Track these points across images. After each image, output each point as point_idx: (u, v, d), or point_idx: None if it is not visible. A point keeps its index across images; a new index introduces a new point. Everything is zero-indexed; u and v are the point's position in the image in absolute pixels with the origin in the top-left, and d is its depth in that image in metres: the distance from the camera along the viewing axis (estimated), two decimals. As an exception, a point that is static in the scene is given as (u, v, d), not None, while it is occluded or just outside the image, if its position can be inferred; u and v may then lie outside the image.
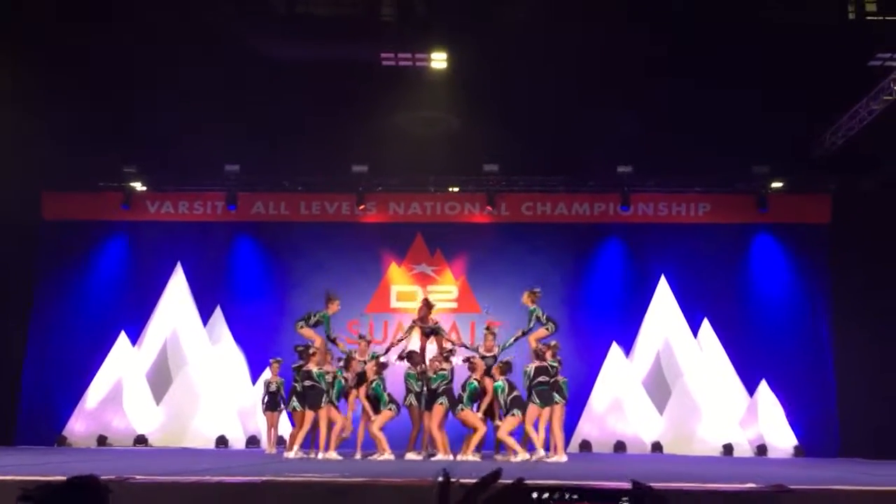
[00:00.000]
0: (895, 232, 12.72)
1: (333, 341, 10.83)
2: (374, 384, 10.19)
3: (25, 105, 12.26)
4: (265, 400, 11.99)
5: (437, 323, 11.23)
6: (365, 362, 10.47)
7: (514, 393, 10.07)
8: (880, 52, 12.67)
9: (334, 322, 11.08)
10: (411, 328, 11.20)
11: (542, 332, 10.61)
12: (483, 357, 10.64)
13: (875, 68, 12.69)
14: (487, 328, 11.10)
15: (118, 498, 2.37)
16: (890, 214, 12.82)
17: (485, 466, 8.58)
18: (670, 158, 13.58)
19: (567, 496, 1.47)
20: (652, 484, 1.55)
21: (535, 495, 1.47)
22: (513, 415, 9.98)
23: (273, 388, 11.94)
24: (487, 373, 10.28)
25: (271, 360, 12.10)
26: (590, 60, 12.73)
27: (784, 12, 13.11)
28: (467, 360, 10.66)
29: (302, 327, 10.74)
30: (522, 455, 9.84)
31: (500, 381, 10.10)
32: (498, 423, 10.17)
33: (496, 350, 10.77)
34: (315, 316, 10.73)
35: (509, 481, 1.53)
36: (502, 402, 10.08)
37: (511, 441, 10.00)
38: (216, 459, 9.50)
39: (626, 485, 1.48)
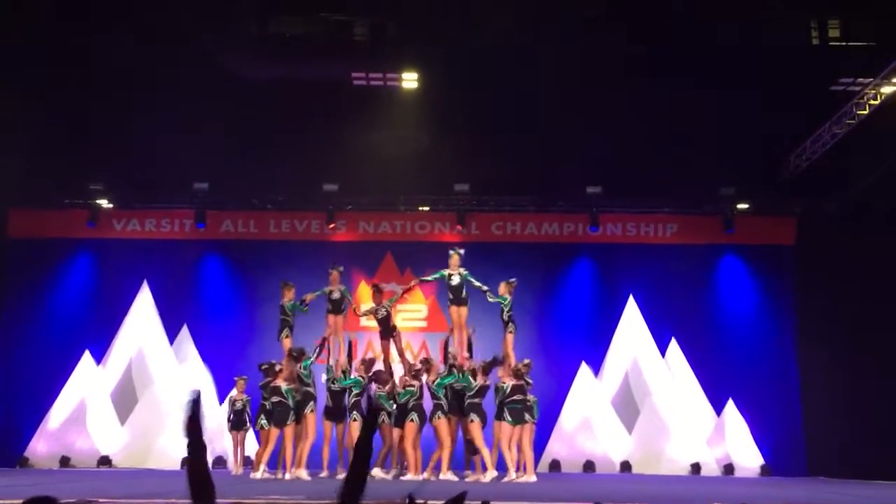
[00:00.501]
0: (859, 253, 12.93)
1: (303, 302, 10.76)
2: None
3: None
4: (231, 418, 11.81)
5: (388, 307, 11.17)
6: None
7: (478, 400, 10.02)
8: (843, 77, 12.95)
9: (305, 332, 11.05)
10: (368, 313, 11.32)
11: (510, 338, 10.58)
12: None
13: (837, 93, 12.97)
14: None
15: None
16: (853, 236, 13.05)
17: (452, 488, 8.54)
18: (639, 180, 13.74)
19: None
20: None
21: None
22: (471, 420, 9.93)
23: (238, 406, 11.76)
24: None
25: (236, 378, 11.96)
26: (559, 82, 12.87)
27: (749, 37, 13.35)
28: (424, 360, 10.68)
29: (286, 336, 10.69)
30: (490, 473, 9.79)
31: (475, 383, 10.05)
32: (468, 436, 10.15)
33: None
34: (287, 315, 10.67)
35: (475, 503, 1.53)
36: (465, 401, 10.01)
37: (486, 452, 9.93)
38: (182, 481, 9.34)
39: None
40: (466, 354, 10.42)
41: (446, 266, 14.14)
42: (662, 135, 12.97)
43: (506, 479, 9.74)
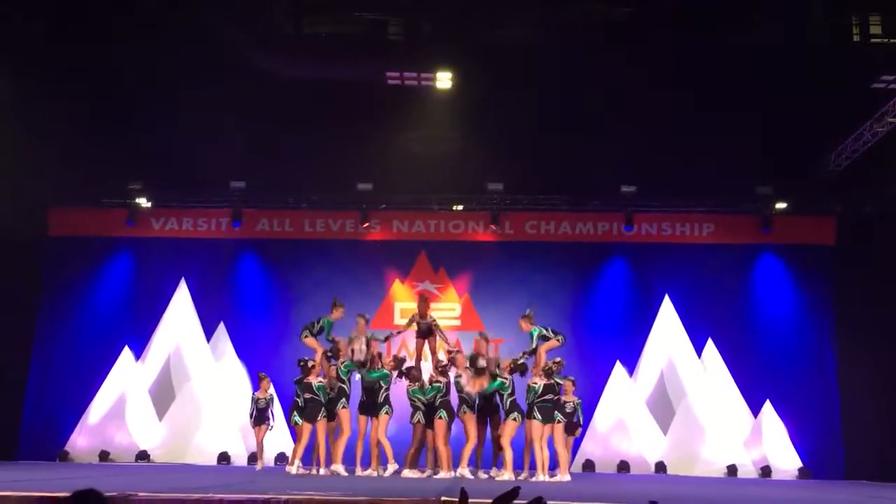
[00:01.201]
0: (899, 254, 12.71)
1: (332, 342, 10.81)
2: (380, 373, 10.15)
3: (31, 122, 12.34)
4: (253, 415, 11.99)
5: (433, 320, 11.17)
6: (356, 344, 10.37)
7: (515, 397, 10.04)
8: (884, 75, 12.72)
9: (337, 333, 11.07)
10: (410, 321, 11.17)
11: (553, 343, 10.59)
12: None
13: (879, 91, 12.74)
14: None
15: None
16: (894, 236, 12.81)
17: (494, 485, 8.54)
18: (674, 179, 13.62)
19: None
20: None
21: None
22: (513, 419, 9.96)
23: (262, 404, 11.96)
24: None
25: (260, 375, 12.12)
26: (595, 80, 12.80)
27: (790, 34, 13.18)
28: (448, 353, 10.69)
29: (306, 336, 10.78)
30: (509, 474, 9.77)
31: (506, 380, 10.05)
32: (498, 433, 10.14)
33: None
34: (319, 323, 10.76)
35: (522, 500, 1.54)
36: (505, 401, 10.03)
37: (509, 453, 9.92)
38: (218, 476, 9.47)
39: None
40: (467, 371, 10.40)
41: (479, 264, 14.24)
42: (698, 133, 12.84)
43: (534, 479, 9.72)
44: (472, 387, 10.14)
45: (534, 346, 10.63)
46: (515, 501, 1.56)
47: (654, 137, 12.98)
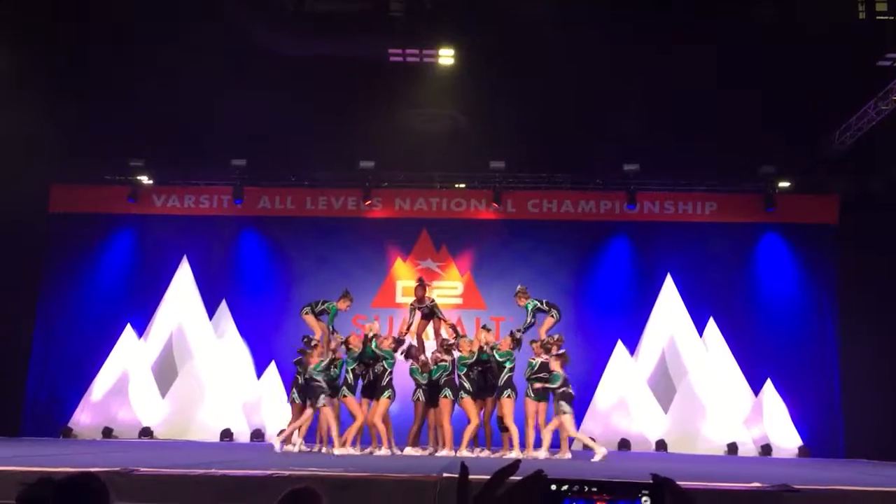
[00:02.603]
0: (903, 233, 12.67)
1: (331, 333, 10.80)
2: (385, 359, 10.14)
3: (33, 99, 12.28)
4: (297, 390, 10.68)
5: (433, 301, 11.19)
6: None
7: (512, 374, 10.05)
8: (890, 52, 12.61)
9: (340, 319, 11.04)
10: (412, 311, 11.16)
11: (549, 321, 10.60)
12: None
13: (884, 68, 12.63)
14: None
15: (124, 490, 2.37)
16: (898, 215, 12.77)
17: (493, 461, 8.58)
18: (677, 157, 13.56)
19: (586, 489, 1.47)
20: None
21: (553, 487, 1.48)
22: (507, 396, 9.96)
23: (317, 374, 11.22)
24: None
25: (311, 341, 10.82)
26: (597, 58, 12.71)
27: (794, 11, 13.06)
28: (455, 333, 10.69)
29: (307, 313, 10.76)
30: (516, 452, 9.80)
31: (511, 360, 10.08)
32: (500, 413, 10.15)
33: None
34: (323, 305, 10.73)
35: (519, 477, 1.53)
36: (501, 379, 10.00)
37: (514, 431, 9.94)
38: (221, 452, 9.52)
39: (646, 479, 1.48)
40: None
41: (481, 242, 14.23)
42: (702, 111, 12.77)
43: (524, 455, 9.72)
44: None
45: (530, 319, 10.61)
46: (516, 476, 1.55)
47: (657, 115, 12.90)
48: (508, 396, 9.98)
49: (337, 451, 9.66)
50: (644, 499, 1.46)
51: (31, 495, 2.16)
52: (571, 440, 10.17)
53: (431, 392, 10.30)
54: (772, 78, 12.62)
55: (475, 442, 10.43)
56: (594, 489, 1.47)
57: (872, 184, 13.60)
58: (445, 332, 11.03)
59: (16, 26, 12.32)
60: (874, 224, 13.23)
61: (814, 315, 13.87)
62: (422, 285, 11.24)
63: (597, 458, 9.37)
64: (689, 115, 12.83)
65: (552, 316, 10.65)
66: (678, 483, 1.44)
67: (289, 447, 10.06)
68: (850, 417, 13.24)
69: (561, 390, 9.70)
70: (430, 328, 11.27)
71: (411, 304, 11.25)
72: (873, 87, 12.48)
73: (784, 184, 14.05)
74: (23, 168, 13.24)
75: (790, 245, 14.12)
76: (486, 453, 10.10)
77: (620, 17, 12.65)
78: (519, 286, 10.91)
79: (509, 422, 9.97)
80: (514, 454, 9.76)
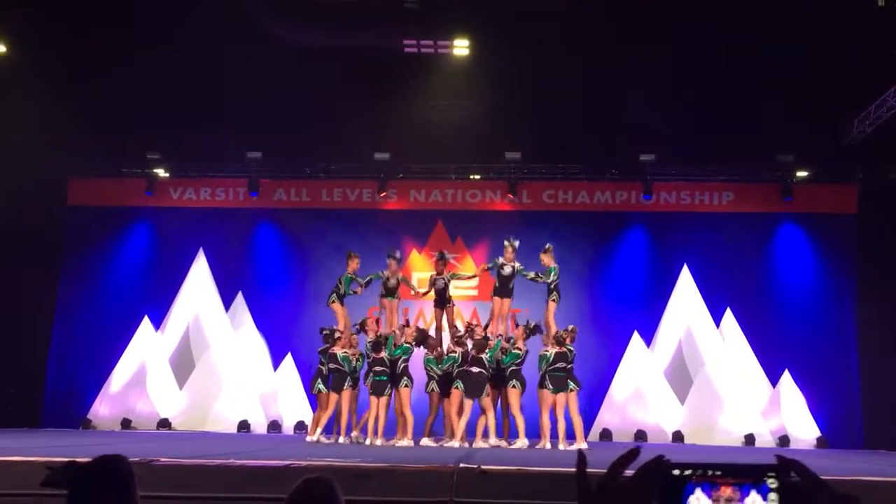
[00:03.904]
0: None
1: (355, 292, 10.84)
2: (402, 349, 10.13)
3: (50, 92, 12.35)
4: (323, 377, 10.62)
5: (451, 275, 11.21)
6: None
7: (518, 367, 10.03)
8: (909, 40, 12.43)
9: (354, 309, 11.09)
10: (431, 283, 11.19)
11: (552, 306, 10.55)
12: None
13: (904, 56, 12.47)
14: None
15: (143, 480, 2.38)
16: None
17: (508, 452, 8.58)
18: (693, 147, 13.47)
19: (710, 473, 1.44)
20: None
21: (675, 472, 1.46)
22: (512, 387, 9.94)
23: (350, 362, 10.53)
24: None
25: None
26: (613, 48, 12.63)
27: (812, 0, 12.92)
28: (468, 326, 10.65)
29: (333, 301, 10.80)
30: (522, 442, 9.79)
31: (520, 351, 10.05)
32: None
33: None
34: (340, 284, 10.78)
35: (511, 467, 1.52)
36: (506, 370, 10.00)
37: (521, 420, 9.91)
38: (238, 443, 9.57)
39: (770, 461, 1.46)
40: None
41: (496, 233, 14.16)
42: (718, 101, 12.67)
43: (539, 447, 9.73)
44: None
45: (553, 284, 10.52)
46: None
47: (673, 106, 12.81)
48: (514, 387, 9.96)
49: (309, 437, 9.98)
50: (770, 481, 1.43)
51: (57, 479, 2.17)
52: (587, 431, 10.16)
53: (444, 383, 10.32)
54: (790, 67, 12.50)
55: (505, 433, 10.44)
56: (718, 473, 1.44)
57: (892, 172, 13.47)
58: (460, 325, 11.05)
59: (33, 20, 12.38)
60: (894, 213, 13.10)
61: (832, 305, 13.75)
62: (442, 259, 11.23)
63: (517, 444, 9.67)
64: (706, 104, 12.74)
65: (553, 300, 10.59)
66: (805, 464, 1.43)
67: (323, 438, 10.14)
68: (869, 408, 13.14)
69: (512, 368, 9.90)
70: (444, 319, 11.26)
71: (431, 277, 11.28)
72: (892, 75, 12.33)
73: (802, 173, 13.93)
74: (41, 162, 13.34)
75: (808, 235, 14.01)
76: (502, 443, 10.09)
77: (637, 7, 12.55)
78: (549, 245, 10.81)
79: (516, 411, 9.97)
80: (520, 444, 9.76)
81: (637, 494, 1.45)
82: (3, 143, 12.61)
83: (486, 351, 10.02)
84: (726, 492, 1.45)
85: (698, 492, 1.45)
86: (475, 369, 9.93)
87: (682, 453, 10.14)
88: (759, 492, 1.44)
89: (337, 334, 10.35)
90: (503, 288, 10.76)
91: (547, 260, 10.67)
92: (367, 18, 13.07)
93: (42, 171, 13.48)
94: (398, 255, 11.14)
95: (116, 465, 2.27)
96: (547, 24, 12.51)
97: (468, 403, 10.00)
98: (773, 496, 1.44)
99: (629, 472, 1.47)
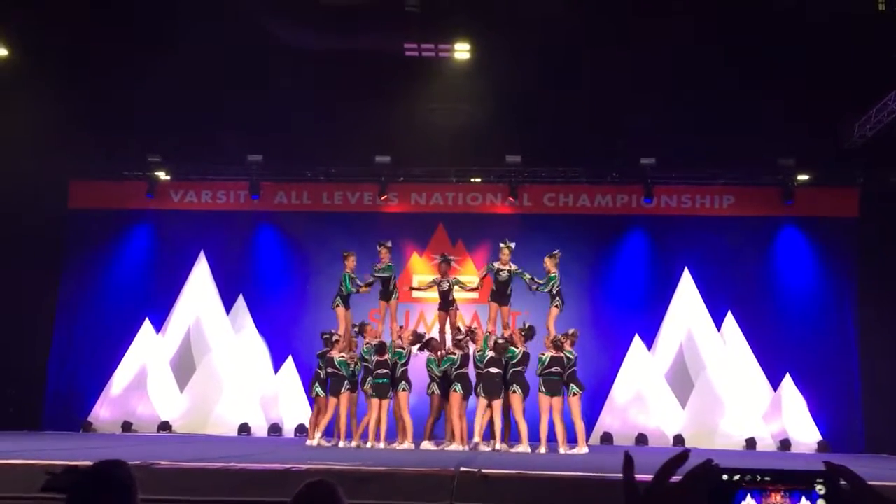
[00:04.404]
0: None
1: (358, 290, 10.80)
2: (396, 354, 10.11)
3: (50, 94, 12.37)
4: (321, 379, 10.66)
5: (454, 279, 11.12)
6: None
7: (521, 368, 10.00)
8: (910, 44, 12.44)
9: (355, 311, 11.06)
10: (432, 284, 11.14)
11: (554, 311, 10.47)
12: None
13: (904, 60, 12.47)
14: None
15: (144, 483, 2.38)
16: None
17: (510, 456, 8.56)
18: (694, 150, 13.47)
19: (759, 478, 1.45)
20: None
21: (725, 477, 1.46)
22: (513, 391, 9.90)
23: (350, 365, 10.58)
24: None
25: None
26: (613, 52, 12.64)
27: (812, 3, 12.92)
28: (468, 329, 10.64)
29: (337, 305, 10.75)
30: (524, 447, 9.77)
31: (517, 350, 10.00)
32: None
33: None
34: (342, 285, 10.72)
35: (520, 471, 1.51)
36: (508, 373, 9.94)
37: (523, 425, 9.88)
38: (239, 446, 9.57)
39: (819, 467, 1.46)
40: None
41: (497, 237, 14.13)
42: (719, 104, 12.67)
43: (538, 451, 9.70)
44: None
45: (554, 291, 10.45)
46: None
47: (674, 109, 12.82)
48: (514, 392, 9.93)
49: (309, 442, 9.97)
50: (819, 487, 1.43)
51: (57, 484, 2.17)
52: (588, 435, 10.14)
53: (443, 385, 10.31)
54: (790, 70, 12.50)
55: (506, 437, 10.41)
56: (767, 478, 1.44)
57: (892, 176, 13.47)
58: (462, 327, 11.04)
59: (33, 22, 12.39)
60: (894, 216, 13.09)
61: (833, 309, 13.74)
62: (446, 261, 11.20)
63: (518, 448, 9.65)
64: (707, 108, 12.74)
65: (556, 306, 10.53)
66: (853, 471, 1.43)
67: (323, 441, 10.13)
68: (870, 412, 13.13)
69: (515, 370, 9.87)
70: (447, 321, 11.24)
71: (434, 279, 11.22)
72: (893, 79, 12.34)
73: (803, 177, 13.93)
74: (42, 164, 13.35)
75: (809, 238, 14.00)
76: (504, 447, 10.06)
77: (639, 11, 12.56)
78: (557, 251, 10.71)
79: (519, 416, 9.94)
80: (523, 448, 9.75)
81: (686, 499, 1.44)
82: (4, 145, 12.62)
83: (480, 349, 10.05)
84: (776, 498, 1.44)
85: (749, 498, 1.45)
86: (494, 370, 9.91)
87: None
88: (808, 498, 1.44)
89: (335, 338, 10.34)
90: (500, 294, 10.65)
91: (550, 265, 10.58)
92: (368, 21, 13.09)
93: (43, 173, 13.49)
94: (388, 244, 11.04)
95: (116, 470, 2.26)
96: (548, 27, 12.52)
97: (482, 404, 9.97)
98: (821, 503, 1.43)
99: (677, 477, 1.46)
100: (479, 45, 13.20)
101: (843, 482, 1.44)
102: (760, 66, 12.47)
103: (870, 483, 1.42)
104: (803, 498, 1.44)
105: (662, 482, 1.44)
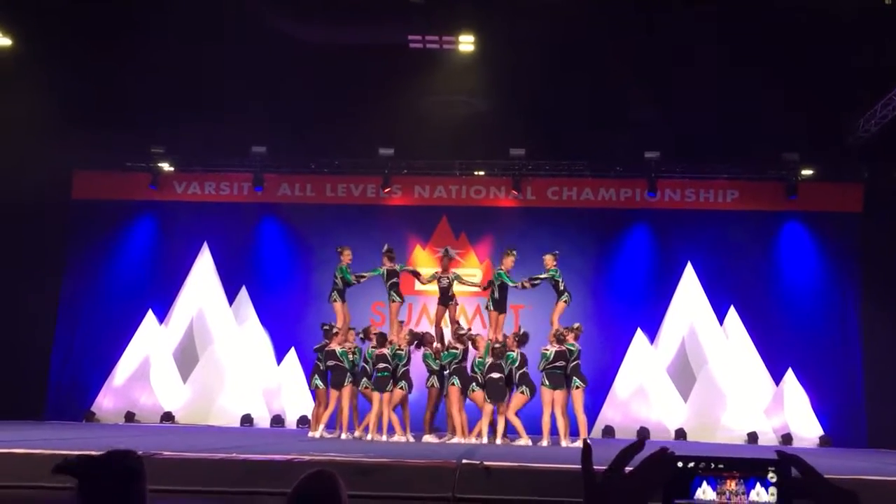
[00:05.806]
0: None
1: (359, 280, 10.80)
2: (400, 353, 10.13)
3: (54, 85, 12.36)
4: (321, 372, 10.62)
5: (455, 275, 11.09)
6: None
7: (525, 369, 10.01)
8: (917, 38, 12.39)
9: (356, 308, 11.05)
10: (432, 278, 11.13)
11: (561, 306, 10.49)
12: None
13: (911, 54, 12.42)
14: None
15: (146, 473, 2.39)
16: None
17: (509, 451, 8.58)
18: (698, 144, 13.45)
19: (714, 466, 1.48)
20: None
21: (679, 464, 1.48)
22: (521, 392, 9.92)
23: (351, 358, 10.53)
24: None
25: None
26: (618, 45, 12.61)
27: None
28: (470, 335, 10.63)
29: (335, 300, 10.76)
30: (525, 440, 9.80)
31: (514, 353, 10.03)
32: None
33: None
34: (337, 278, 10.72)
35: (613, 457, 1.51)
36: (514, 374, 9.98)
37: (517, 422, 9.93)
38: (242, 437, 9.59)
39: (771, 456, 1.49)
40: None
41: (500, 230, 14.16)
42: (723, 98, 12.64)
43: (540, 444, 9.71)
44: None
45: (561, 286, 10.45)
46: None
47: (678, 103, 12.78)
48: (522, 393, 9.94)
49: (370, 436, 9.90)
50: (770, 475, 1.47)
51: (69, 467, 2.19)
52: (590, 429, 10.15)
53: (442, 379, 10.32)
54: (795, 64, 12.46)
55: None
56: (721, 466, 1.47)
57: (898, 172, 13.43)
58: (465, 323, 11.04)
59: (37, 13, 12.39)
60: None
61: (836, 304, 13.73)
62: (447, 256, 11.18)
63: (519, 441, 9.71)
64: (711, 101, 12.71)
65: (564, 300, 10.54)
66: (805, 460, 1.45)
67: (325, 434, 10.14)
68: (872, 407, 13.12)
69: (520, 372, 9.91)
70: (446, 315, 11.24)
71: (435, 273, 11.20)
72: (899, 73, 12.30)
73: (807, 171, 13.90)
74: (46, 155, 13.35)
75: (813, 233, 13.98)
76: (505, 440, 10.07)
77: (642, 5, 12.52)
78: (557, 252, 10.75)
79: (511, 415, 9.96)
80: (523, 441, 9.76)
81: (643, 486, 1.45)
82: (7, 136, 12.63)
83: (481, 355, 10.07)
84: (731, 485, 1.46)
85: (705, 485, 1.47)
86: (496, 375, 9.91)
87: (685, 450, 10.13)
88: (763, 485, 1.46)
89: (334, 330, 10.35)
90: (501, 302, 10.58)
91: (549, 261, 10.63)
92: (372, 14, 13.06)
93: (47, 163, 13.49)
94: (392, 253, 11.06)
95: (127, 460, 2.29)
96: (552, 20, 12.49)
97: (488, 408, 9.97)
98: (773, 490, 1.45)
99: (634, 465, 1.47)
100: (484, 37, 13.17)
101: (794, 471, 1.47)
102: (765, 60, 12.42)
103: (825, 475, 1.44)
104: (758, 484, 1.47)
105: (619, 470, 1.45)
